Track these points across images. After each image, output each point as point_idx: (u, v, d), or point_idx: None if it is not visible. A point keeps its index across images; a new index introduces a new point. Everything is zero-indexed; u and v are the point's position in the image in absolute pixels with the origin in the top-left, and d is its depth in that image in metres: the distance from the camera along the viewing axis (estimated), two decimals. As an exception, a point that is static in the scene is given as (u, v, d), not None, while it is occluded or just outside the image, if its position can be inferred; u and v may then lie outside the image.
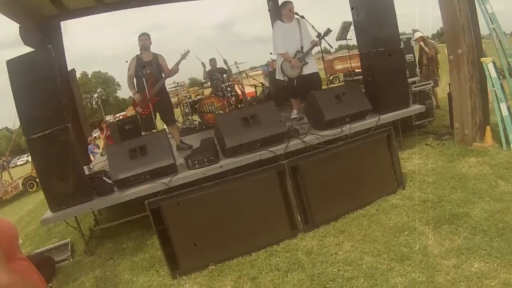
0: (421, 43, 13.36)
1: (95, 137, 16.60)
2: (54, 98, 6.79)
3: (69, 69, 13.95)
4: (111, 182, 7.08)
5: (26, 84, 6.57)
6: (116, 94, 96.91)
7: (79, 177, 6.93)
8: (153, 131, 9.45)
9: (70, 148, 6.79)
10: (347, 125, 8.04)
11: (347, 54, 15.53)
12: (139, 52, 9.31)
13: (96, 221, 8.70)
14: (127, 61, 9.32)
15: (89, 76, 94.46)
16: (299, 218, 5.99)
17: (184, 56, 9.61)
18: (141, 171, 6.97)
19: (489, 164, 7.33)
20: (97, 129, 17.43)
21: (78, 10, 13.43)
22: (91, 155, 14.46)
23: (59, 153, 6.66)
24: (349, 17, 9.71)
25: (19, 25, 11.23)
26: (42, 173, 6.99)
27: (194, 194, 5.66)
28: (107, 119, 26.84)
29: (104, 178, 7.40)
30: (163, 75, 9.42)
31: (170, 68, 9.50)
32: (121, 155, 7.19)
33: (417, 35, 13.24)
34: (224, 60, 15.25)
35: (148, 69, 9.13)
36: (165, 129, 9.39)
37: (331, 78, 39.04)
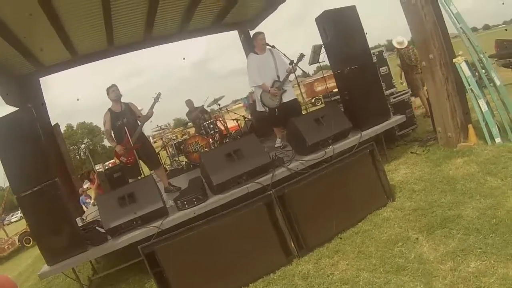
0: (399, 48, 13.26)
1: (86, 188, 16.62)
2: (39, 155, 6.90)
3: (52, 123, 13.99)
4: (104, 231, 7.10)
5: (11, 144, 6.66)
6: (103, 143, 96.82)
7: (72, 230, 6.97)
8: (139, 177, 9.49)
9: (61, 202, 6.89)
10: (330, 147, 8.11)
11: (326, 75, 15.65)
12: (110, 105, 9.40)
13: (94, 270, 8.69)
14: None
15: (74, 128, 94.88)
16: (292, 244, 6.00)
17: (156, 99, 9.72)
18: (132, 218, 6.99)
19: (475, 162, 7.41)
20: (87, 180, 17.41)
21: (55, 65, 13.59)
22: (83, 205, 14.56)
23: (50, 208, 6.74)
24: (318, 39, 9.82)
25: None
26: (35, 228, 7.04)
27: (186, 234, 5.67)
28: (97, 168, 26.82)
29: (97, 228, 7.41)
30: (138, 122, 9.51)
31: (144, 113, 9.58)
32: (111, 204, 7.22)
33: (397, 40, 13.26)
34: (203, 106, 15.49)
35: (124, 118, 9.22)
36: (152, 174, 9.40)
37: (313, 100, 39.30)
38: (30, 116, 7.17)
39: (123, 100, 9.57)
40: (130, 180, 9.65)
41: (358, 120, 8.70)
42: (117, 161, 10.24)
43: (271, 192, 6.05)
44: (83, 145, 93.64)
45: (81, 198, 14.82)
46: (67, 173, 13.98)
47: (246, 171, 7.37)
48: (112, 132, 9.37)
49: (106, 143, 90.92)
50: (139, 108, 9.66)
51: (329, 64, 9.86)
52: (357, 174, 6.78)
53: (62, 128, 16.62)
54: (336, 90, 11.47)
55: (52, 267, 6.77)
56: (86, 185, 17.47)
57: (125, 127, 9.08)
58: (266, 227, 5.98)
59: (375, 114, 8.94)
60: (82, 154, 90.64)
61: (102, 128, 9.88)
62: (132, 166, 9.53)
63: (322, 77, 36.68)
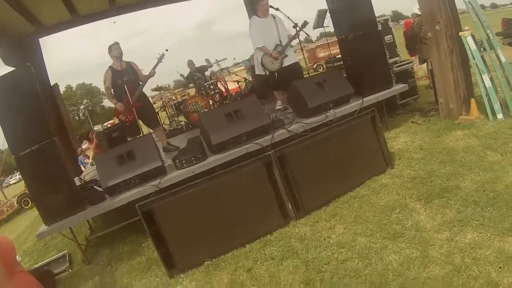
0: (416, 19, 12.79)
1: (85, 148, 16.61)
2: (38, 114, 6.82)
3: (52, 84, 13.99)
4: (102, 190, 7.09)
5: (9, 104, 6.62)
6: (103, 104, 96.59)
7: (70, 189, 6.92)
8: (138, 136, 9.45)
9: (59, 161, 6.85)
10: (331, 111, 8.08)
11: (328, 42, 15.55)
12: (111, 63, 9.33)
13: (91, 230, 8.72)
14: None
15: (74, 89, 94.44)
16: (290, 206, 6.03)
17: (160, 59, 9.69)
18: (130, 176, 6.97)
19: (476, 136, 7.37)
20: (86, 140, 17.39)
21: (55, 25, 13.44)
22: (81, 166, 14.48)
23: (48, 168, 6.71)
24: (323, 6, 9.74)
25: None
26: (33, 188, 7.00)
27: (184, 193, 5.67)
28: (95, 128, 26.84)
29: (95, 187, 7.40)
30: (139, 82, 9.48)
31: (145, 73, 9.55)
32: (109, 162, 7.20)
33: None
34: (206, 60, 15.38)
35: (126, 77, 9.17)
36: (151, 133, 9.36)
37: (315, 66, 38.99)
38: (29, 74, 7.04)
39: (124, 59, 9.47)
40: (128, 139, 9.73)
41: (360, 86, 8.67)
42: (116, 121, 10.20)
43: (270, 152, 6.04)
44: (82, 106, 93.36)
45: (79, 158, 14.81)
46: (66, 134, 14.06)
47: (246, 131, 7.35)
48: (112, 90, 9.34)
49: (106, 103, 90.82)
50: (140, 68, 9.60)
51: (333, 30, 9.78)
52: (357, 139, 6.78)
53: (61, 89, 16.49)
54: (339, 56, 11.41)
55: (50, 227, 6.76)
56: (85, 145, 17.49)
57: (126, 86, 9.04)
58: (265, 188, 5.99)
59: (377, 81, 8.90)
60: (81, 115, 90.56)
61: (102, 88, 9.79)
62: (131, 124, 9.51)
63: (325, 44, 36.50)
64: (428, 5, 8.45)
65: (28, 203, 23.76)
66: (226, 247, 5.76)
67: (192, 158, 7.18)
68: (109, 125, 28.24)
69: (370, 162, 6.86)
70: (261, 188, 6.00)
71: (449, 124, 8.30)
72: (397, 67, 10.79)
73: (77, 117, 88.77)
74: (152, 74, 9.51)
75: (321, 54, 39.76)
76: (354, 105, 8.32)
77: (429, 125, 8.72)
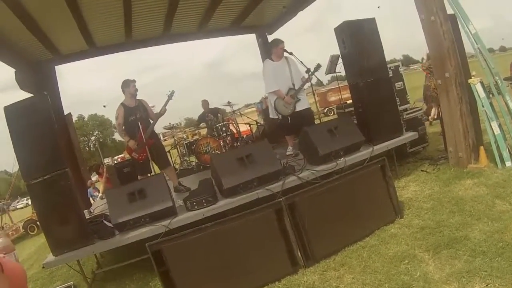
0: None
1: (94, 180, 16.65)
2: (52, 143, 6.91)
3: (65, 113, 14.03)
4: (112, 226, 7.12)
5: (24, 130, 6.70)
6: (113, 137, 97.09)
7: (80, 221, 6.99)
8: (149, 174, 9.61)
9: (71, 193, 6.92)
10: (342, 159, 8.10)
11: (339, 86, 15.60)
12: (122, 97, 9.47)
13: (98, 264, 8.68)
14: (104, 106, 9.60)
15: (86, 119, 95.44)
16: (299, 254, 5.99)
17: (170, 97, 9.72)
18: (140, 214, 7.02)
19: (485, 184, 7.35)
20: (95, 172, 17.46)
21: (72, 54, 13.71)
22: (90, 198, 14.48)
23: (59, 198, 6.77)
24: (333, 49, 9.85)
25: (15, 70, 11.47)
26: (43, 217, 7.06)
27: (194, 235, 5.68)
28: (105, 161, 26.83)
29: (104, 221, 7.43)
30: (150, 120, 9.56)
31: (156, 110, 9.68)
32: (120, 199, 7.23)
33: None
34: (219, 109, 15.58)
35: (138, 114, 9.26)
36: (163, 172, 9.43)
37: (325, 110, 39.13)
38: (46, 103, 7.13)
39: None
40: (139, 177, 9.69)
41: (370, 134, 8.71)
42: (127, 156, 10.26)
43: (281, 199, 6.05)
44: (93, 137, 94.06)
45: (89, 190, 14.80)
46: (76, 164, 14.06)
47: (257, 176, 7.38)
48: (124, 127, 9.39)
49: (117, 137, 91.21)
50: (150, 105, 9.72)
51: (345, 75, 9.87)
52: (367, 188, 6.77)
53: (74, 119, 16.62)
54: (350, 101, 11.45)
55: (57, 258, 6.78)
56: (94, 177, 17.54)
57: (139, 123, 9.13)
58: (274, 235, 5.98)
59: (388, 129, 8.95)
60: (91, 146, 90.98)
61: (113, 122, 9.92)
62: (143, 162, 9.55)
63: (336, 88, 36.64)
64: (438, 51, 8.50)
65: (34, 229, 23.74)
66: (233, 292, 5.72)
67: (203, 201, 7.21)
68: (119, 159, 28.25)
69: (380, 211, 6.84)
70: (271, 235, 5.99)
71: (458, 173, 8.28)
72: (407, 114, 10.82)
73: (87, 148, 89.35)
74: (162, 112, 9.57)
75: (332, 98, 40.00)
76: (364, 153, 8.35)
77: (438, 173, 8.68)
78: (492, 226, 5.76)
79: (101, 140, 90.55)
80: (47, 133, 6.84)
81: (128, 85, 9.37)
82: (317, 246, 6.11)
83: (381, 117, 8.83)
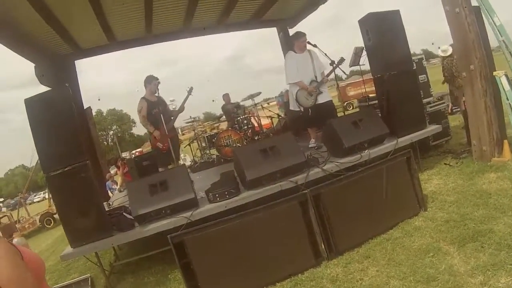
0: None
1: (113, 173, 16.69)
2: (72, 135, 6.89)
3: (85, 107, 14.07)
4: (132, 218, 7.11)
5: (45, 122, 6.68)
6: (132, 131, 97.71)
7: (99, 213, 6.97)
8: (169, 166, 9.90)
9: (91, 185, 6.91)
10: (366, 151, 8.02)
11: (359, 80, 15.52)
12: (143, 92, 9.92)
13: (116, 256, 8.70)
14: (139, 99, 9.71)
15: (104, 114, 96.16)
16: (322, 246, 5.93)
17: (189, 93, 10.15)
18: (162, 206, 6.97)
19: (509, 178, 7.24)
20: (113, 166, 17.49)
21: (92, 49, 13.74)
22: (109, 191, 14.64)
23: (79, 190, 6.76)
24: (353, 42, 9.78)
25: (34, 65, 11.51)
26: (62, 209, 7.06)
27: (217, 227, 5.63)
28: (123, 155, 26.91)
29: (124, 213, 7.40)
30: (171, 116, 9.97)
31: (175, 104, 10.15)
32: (141, 191, 7.20)
33: (442, 48, 12.83)
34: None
35: (160, 107, 9.68)
36: (184, 164, 9.50)
37: (345, 104, 38.99)
38: (67, 94, 7.13)
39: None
40: (160, 169, 9.85)
41: (394, 127, 8.63)
42: (146, 150, 10.37)
43: (306, 191, 5.97)
44: (111, 132, 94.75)
45: (107, 183, 14.97)
46: (95, 157, 14.08)
47: (281, 168, 7.32)
48: (147, 119, 9.68)
49: (135, 131, 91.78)
50: (171, 99, 9.99)
51: (369, 68, 9.82)
52: (391, 181, 6.64)
53: (93, 113, 16.70)
54: (372, 95, 11.36)
55: (76, 250, 6.80)
56: (112, 170, 17.58)
57: (162, 115, 9.49)
58: (298, 227, 5.91)
59: (412, 122, 8.87)
60: (109, 140, 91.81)
61: (132, 115, 10.19)
62: (166, 153, 9.88)
63: (355, 82, 36.51)
64: (463, 43, 8.39)
65: (51, 222, 23.92)
66: (256, 284, 5.69)
67: (226, 193, 7.14)
68: (137, 153, 28.29)
69: (404, 204, 6.76)
70: (294, 227, 5.93)
71: (482, 166, 8.19)
72: (430, 107, 10.74)
73: (105, 142, 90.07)
74: (181, 109, 10.08)
75: (351, 92, 39.78)
76: (388, 145, 8.27)
77: (462, 167, 8.60)
78: (516, 219, 5.65)
79: (119, 135, 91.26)
80: (67, 124, 6.83)
81: (150, 82, 9.87)
82: (341, 238, 6.05)
83: (405, 109, 8.77)
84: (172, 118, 10.15)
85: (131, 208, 7.17)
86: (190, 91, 10.18)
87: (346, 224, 6.15)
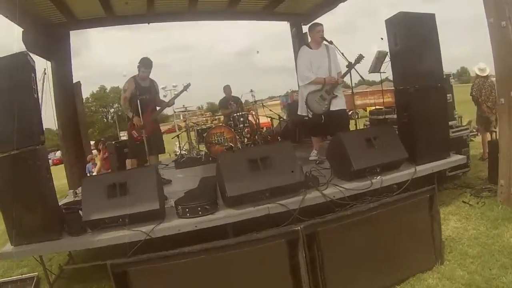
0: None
1: (94, 155, 15.75)
2: (27, 115, 5.80)
3: (87, 83, 13.47)
4: (86, 220, 6.00)
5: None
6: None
7: (47, 210, 5.94)
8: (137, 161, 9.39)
9: (39, 175, 5.88)
10: (378, 177, 6.86)
11: (367, 89, 14.78)
12: (136, 74, 9.23)
13: (71, 257, 7.46)
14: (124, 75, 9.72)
15: (108, 91, 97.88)
16: (310, 300, 4.63)
17: (185, 89, 9.84)
18: (119, 214, 5.85)
19: (541, 231, 6.13)
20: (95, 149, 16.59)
21: (88, 20, 13.20)
22: (88, 174, 13.52)
23: (25, 179, 5.74)
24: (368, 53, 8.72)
25: (22, 30, 10.54)
26: (3, 198, 5.90)
27: (172, 261, 4.36)
28: (121, 134, 26.57)
29: (80, 212, 6.19)
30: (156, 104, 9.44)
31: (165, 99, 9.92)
32: (98, 190, 6.08)
33: (480, 67, 11.64)
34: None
35: (148, 94, 9.06)
36: (157, 164, 8.55)
37: (350, 113, 38.44)
38: (25, 65, 5.93)
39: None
40: (127, 161, 9.66)
41: (413, 151, 7.49)
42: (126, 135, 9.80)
43: (299, 228, 4.60)
44: (112, 109, 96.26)
45: (87, 166, 14.08)
46: (78, 137, 13.50)
47: (271, 187, 6.17)
48: (129, 102, 9.13)
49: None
50: (162, 86, 9.47)
51: (391, 76, 8.63)
52: (406, 222, 5.39)
53: (95, 89, 15.93)
54: (379, 108, 10.39)
55: (16, 249, 5.83)
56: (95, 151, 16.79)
57: (146, 103, 8.98)
58: (281, 273, 4.60)
59: (435, 148, 7.74)
60: (109, 118, 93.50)
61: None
62: (139, 145, 9.12)
63: (364, 91, 36.22)
64: (506, 62, 7.21)
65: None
66: None
67: (199, 208, 5.96)
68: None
69: (417, 253, 5.47)
70: (276, 273, 4.61)
71: (508, 213, 6.99)
72: (452, 132, 9.49)
73: (105, 119, 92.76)
74: (170, 104, 9.69)
75: (358, 102, 39.80)
76: (404, 173, 7.15)
77: (483, 209, 7.39)
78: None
79: (119, 114, 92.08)
80: (23, 101, 5.77)
81: (144, 65, 9.24)
82: (335, 290, 4.77)
83: (429, 132, 7.61)
84: (158, 109, 9.53)
85: (82, 210, 5.98)
86: (186, 87, 9.82)
87: (344, 274, 4.87)
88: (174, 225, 5.86)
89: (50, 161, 47.08)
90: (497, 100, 7.73)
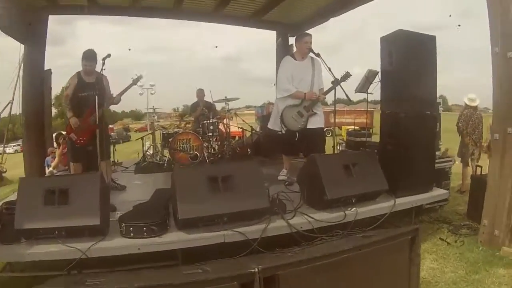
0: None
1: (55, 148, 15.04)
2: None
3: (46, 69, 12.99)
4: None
5: None
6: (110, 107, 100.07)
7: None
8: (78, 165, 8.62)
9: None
10: (353, 208, 6.28)
11: (344, 108, 14.39)
12: (81, 69, 8.35)
13: (9, 264, 6.25)
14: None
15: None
16: None
17: (135, 82, 8.91)
18: (55, 225, 5.10)
19: (524, 280, 5.72)
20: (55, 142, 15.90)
21: (68, 6, 12.60)
22: (46, 168, 12.84)
23: None
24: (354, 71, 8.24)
25: None
26: None
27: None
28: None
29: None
30: (104, 101, 8.40)
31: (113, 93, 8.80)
32: (35, 195, 5.30)
33: (470, 97, 11.53)
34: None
35: (91, 91, 7.95)
36: (101, 172, 7.84)
37: (325, 129, 38.63)
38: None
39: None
40: (71, 165, 8.96)
41: (395, 181, 7.03)
42: (116, 127, 9.10)
43: (255, 270, 3.81)
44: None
45: (47, 159, 13.20)
46: (41, 128, 12.99)
47: (230, 212, 5.51)
48: (70, 100, 8.31)
49: (112, 107, 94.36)
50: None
51: (379, 97, 8.25)
52: (383, 266, 4.72)
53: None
54: (354, 128, 9.93)
55: None
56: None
57: (90, 102, 7.96)
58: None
59: (417, 180, 7.37)
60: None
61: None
62: (80, 149, 8.40)
63: (341, 110, 36.59)
64: (507, 96, 6.80)
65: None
66: None
67: (144, 228, 5.25)
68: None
69: (390, 299, 4.92)
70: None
71: (489, 256, 6.59)
72: (436, 163, 8.90)
73: None
74: (116, 101, 8.67)
75: (332, 120, 40.05)
76: (383, 206, 6.65)
77: (462, 249, 6.95)
78: None
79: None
80: None
81: (88, 57, 8.31)
82: None
83: (414, 163, 7.31)
84: (103, 105, 8.51)
85: (15, 216, 5.18)
86: (136, 80, 8.88)
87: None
88: (114, 245, 5.17)
89: (15, 149, 45.56)
90: (491, 135, 7.41)
